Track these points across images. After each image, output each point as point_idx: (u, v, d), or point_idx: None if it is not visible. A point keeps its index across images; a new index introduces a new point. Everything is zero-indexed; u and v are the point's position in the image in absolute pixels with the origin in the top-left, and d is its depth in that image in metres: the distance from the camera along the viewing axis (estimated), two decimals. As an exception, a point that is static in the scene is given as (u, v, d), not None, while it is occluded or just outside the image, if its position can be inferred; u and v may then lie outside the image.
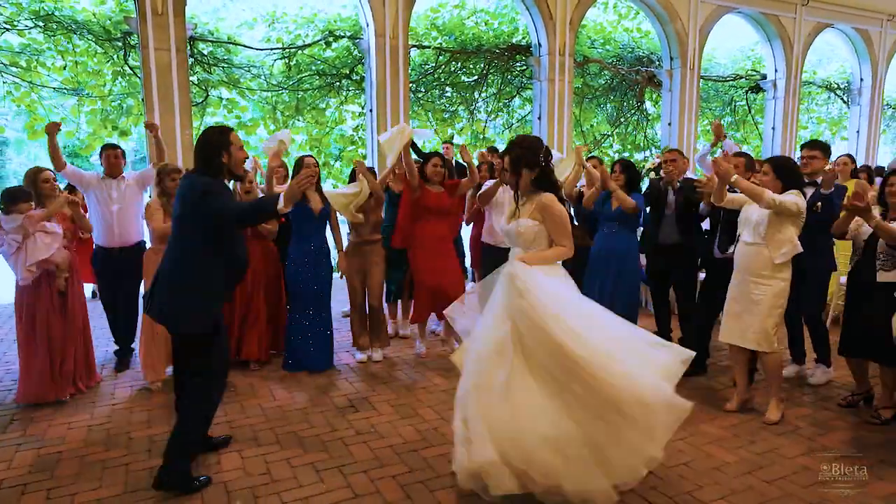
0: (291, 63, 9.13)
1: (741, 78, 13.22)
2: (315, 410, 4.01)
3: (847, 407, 3.99)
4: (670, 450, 3.36)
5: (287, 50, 9.06)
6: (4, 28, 7.48)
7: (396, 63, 8.87)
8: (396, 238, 4.97)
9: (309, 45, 9.14)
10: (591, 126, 12.54)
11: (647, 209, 5.02)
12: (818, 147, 4.44)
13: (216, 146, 2.97)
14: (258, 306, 4.77)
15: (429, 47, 10.04)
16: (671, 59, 11.56)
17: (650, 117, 12.69)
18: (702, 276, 5.17)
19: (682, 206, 4.74)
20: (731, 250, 3.97)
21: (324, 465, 3.26)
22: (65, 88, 8.10)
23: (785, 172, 3.73)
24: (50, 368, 4.01)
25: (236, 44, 8.71)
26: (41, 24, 7.64)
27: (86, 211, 4.88)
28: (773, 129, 12.77)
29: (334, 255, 4.86)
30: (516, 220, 3.04)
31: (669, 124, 11.66)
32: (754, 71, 13.24)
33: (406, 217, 4.88)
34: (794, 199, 3.59)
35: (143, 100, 7.55)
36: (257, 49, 8.91)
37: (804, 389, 4.36)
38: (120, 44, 8.08)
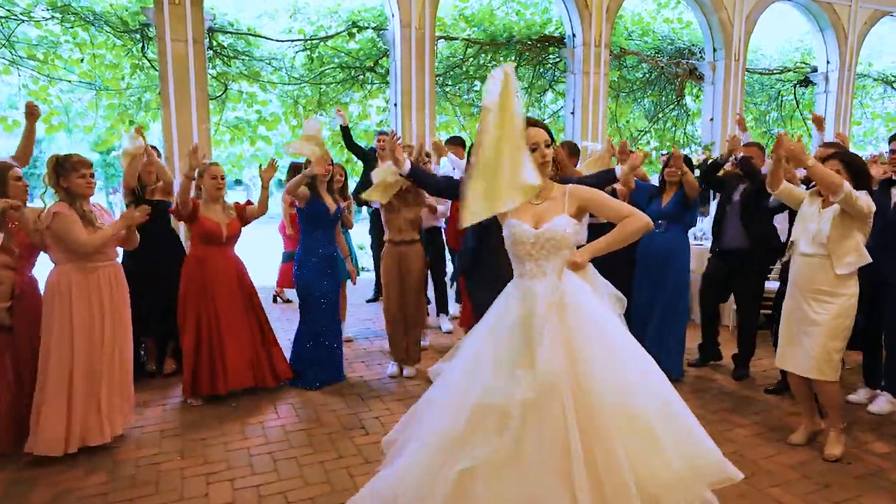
0: (314, 55, 8.78)
1: (789, 71, 12.42)
2: (320, 431, 3.61)
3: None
4: (728, 493, 2.87)
5: (309, 42, 8.71)
6: (21, 19, 7.29)
7: (422, 55, 8.45)
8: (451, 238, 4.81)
9: (332, 37, 8.77)
10: (628, 122, 11.93)
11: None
12: None
13: None
14: (227, 326, 3.95)
15: (457, 39, 9.58)
16: (714, 50, 10.88)
17: (690, 113, 12.01)
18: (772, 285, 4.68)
19: (749, 199, 4.35)
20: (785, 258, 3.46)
21: (323, 501, 2.85)
22: (82, 82, 7.89)
23: (856, 170, 3.21)
24: None
25: (257, 35, 8.38)
26: (58, 15, 7.44)
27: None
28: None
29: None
30: (551, 221, 2.25)
31: (711, 119, 10.99)
32: (804, 63, 12.43)
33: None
34: (867, 199, 3.12)
35: (160, 93, 7.28)
36: (278, 41, 8.58)
37: (879, 422, 3.78)
38: (138, 35, 7.83)
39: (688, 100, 12.12)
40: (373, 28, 8.88)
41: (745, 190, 4.41)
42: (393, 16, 8.41)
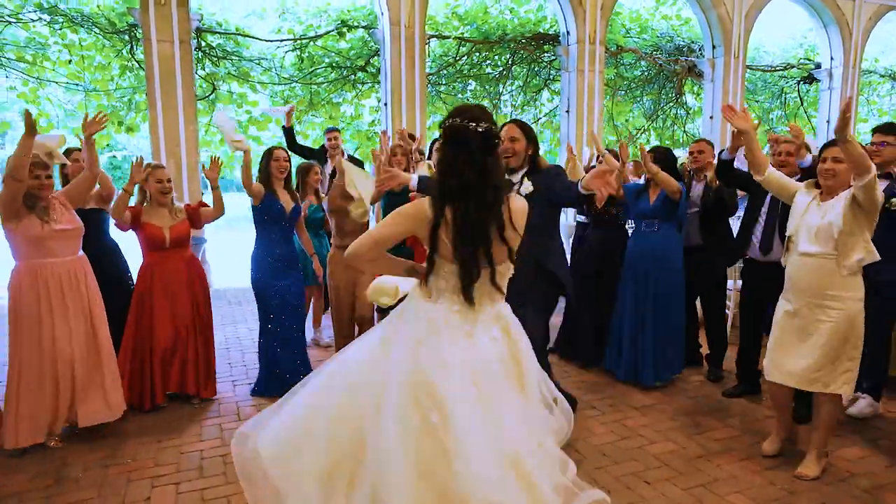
0: (304, 55, 8.75)
1: (792, 67, 12.21)
2: (279, 434, 3.53)
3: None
4: (685, 499, 2.76)
5: (299, 41, 8.68)
6: (8, 21, 7.32)
7: (412, 54, 8.37)
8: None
9: (321, 36, 8.73)
10: (627, 120, 11.78)
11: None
12: (893, 131, 3.68)
13: None
14: (165, 332, 3.80)
15: (449, 37, 9.50)
16: (713, 47, 10.70)
17: (691, 111, 11.83)
18: (735, 284, 4.54)
19: (710, 202, 4.21)
20: (773, 252, 3.27)
21: (267, 505, 2.77)
22: (71, 83, 7.91)
23: None
24: None
25: (245, 35, 8.37)
26: (46, 16, 7.46)
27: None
28: (828, 122, 11.70)
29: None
30: None
31: (711, 117, 10.80)
32: (807, 59, 12.21)
33: None
34: (879, 190, 2.82)
35: (147, 94, 7.27)
36: (268, 41, 8.56)
37: (853, 425, 3.63)
38: (126, 37, 7.83)
39: (689, 97, 11.95)
40: (363, 27, 8.83)
41: (708, 200, 4.32)
42: (382, 14, 8.34)
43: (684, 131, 11.65)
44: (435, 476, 1.79)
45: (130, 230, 3.79)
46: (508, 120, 3.71)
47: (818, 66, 11.81)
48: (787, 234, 3.06)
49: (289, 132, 6.08)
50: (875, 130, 3.71)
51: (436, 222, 1.91)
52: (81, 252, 3.45)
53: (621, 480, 2.95)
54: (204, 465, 3.17)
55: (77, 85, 7.95)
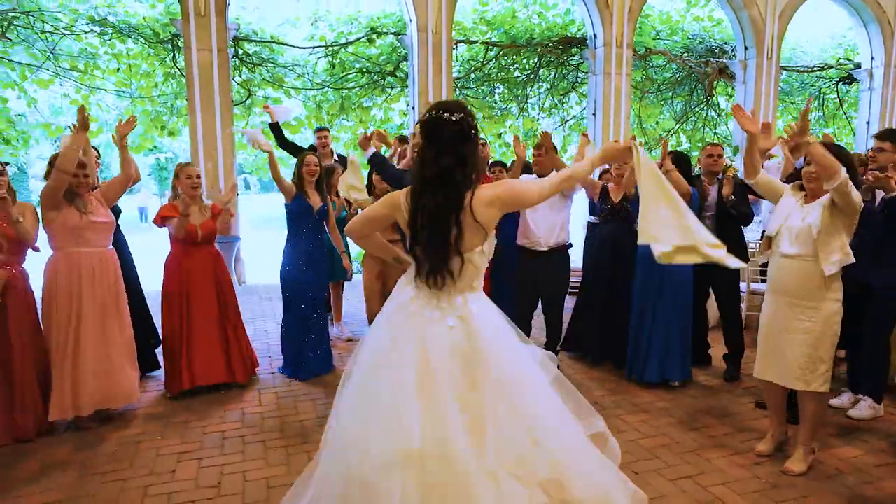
0: (335, 61, 9.08)
1: (830, 68, 11.95)
2: (294, 419, 3.80)
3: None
4: (669, 491, 2.89)
5: (331, 48, 9.02)
6: (63, 33, 7.86)
7: (439, 59, 8.61)
8: None
9: (352, 43, 9.05)
10: (657, 123, 11.74)
11: None
12: (889, 138, 3.72)
13: None
14: (206, 321, 4.11)
15: (476, 42, 9.69)
16: (745, 48, 10.59)
17: (723, 112, 11.71)
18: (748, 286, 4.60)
19: (725, 210, 4.33)
20: (760, 259, 3.34)
21: (277, 481, 3.03)
22: (119, 90, 8.43)
23: (846, 164, 2.93)
24: None
25: (279, 43, 8.75)
26: (97, 28, 7.98)
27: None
28: (868, 123, 11.41)
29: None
30: None
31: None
32: (846, 59, 11.93)
33: None
34: (858, 194, 2.89)
35: (187, 100, 7.70)
36: (301, 48, 8.93)
37: (853, 427, 3.67)
38: (169, 46, 8.30)
39: (722, 99, 11.83)
40: (392, 34, 9.11)
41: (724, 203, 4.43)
42: (411, 21, 8.60)
43: (715, 133, 11.54)
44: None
45: (165, 225, 4.12)
46: None
47: (858, 66, 11.53)
48: (768, 234, 3.14)
49: (276, 128, 5.89)
50: (877, 136, 3.75)
51: (412, 212, 2.09)
52: (111, 246, 3.80)
53: (610, 470, 3.09)
54: (225, 443, 3.46)
55: (124, 91, 8.47)
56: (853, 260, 2.96)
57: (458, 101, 2.19)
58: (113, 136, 3.88)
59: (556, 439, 2.06)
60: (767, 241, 3.17)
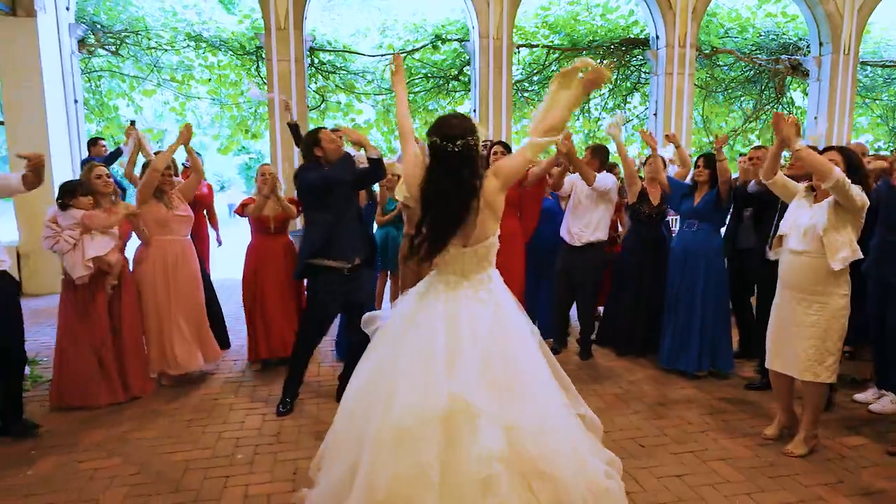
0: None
1: (918, 62, 11.32)
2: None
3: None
4: (668, 460, 3.19)
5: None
6: (165, 49, 8.89)
7: (500, 64, 9.00)
8: None
9: (418, 50, 9.60)
10: (726, 122, 11.55)
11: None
12: None
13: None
14: (280, 301, 4.68)
15: (536, 46, 9.99)
16: (820, 44, 10.28)
17: (798, 109, 11.36)
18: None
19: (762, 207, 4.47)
20: (770, 256, 3.52)
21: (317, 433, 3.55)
22: (210, 98, 9.40)
23: (852, 164, 3.15)
24: (90, 370, 3.88)
25: (351, 52, 9.44)
26: (193, 43, 8.96)
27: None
28: (961, 120, 10.75)
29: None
30: None
31: (816, 118, 10.38)
32: (937, 53, 11.26)
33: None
34: (859, 191, 3.05)
35: (268, 106, 8.51)
36: (371, 56, 9.57)
37: (870, 419, 3.77)
38: (254, 57, 9.18)
39: (797, 96, 11.48)
40: (456, 40, 9.58)
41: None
42: (473, 28, 9.05)
43: (787, 132, 11.22)
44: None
45: (244, 214, 4.76)
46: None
47: (949, 59, 10.88)
48: (779, 231, 3.33)
49: (294, 128, 5.85)
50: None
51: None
52: (189, 236, 4.50)
53: (617, 442, 3.39)
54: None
55: (214, 98, 9.43)
56: (861, 255, 3.12)
57: (461, 121, 2.36)
58: (186, 147, 4.49)
59: (544, 407, 2.33)
60: (779, 238, 3.36)
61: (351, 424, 2.41)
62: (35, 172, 3.34)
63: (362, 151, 3.83)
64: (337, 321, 5.70)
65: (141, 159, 4.90)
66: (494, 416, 2.17)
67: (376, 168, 3.80)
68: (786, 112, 11.25)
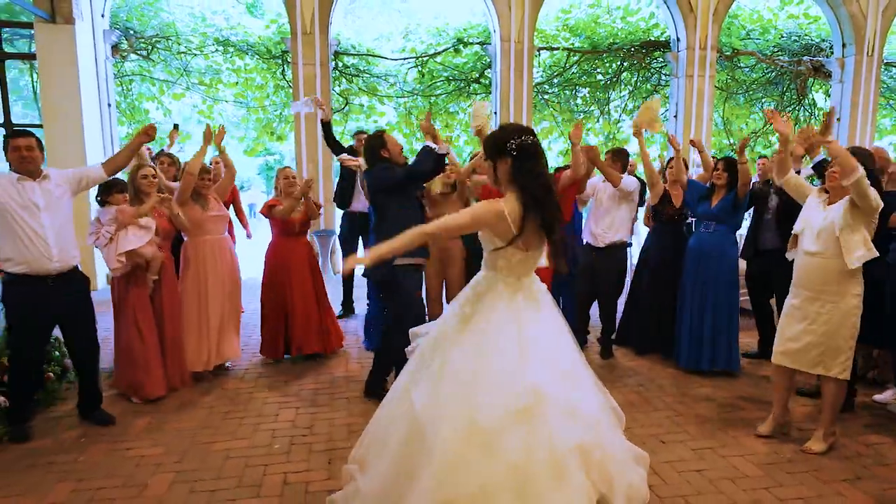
0: (424, 71, 9.81)
1: (945, 63, 11.19)
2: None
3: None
4: (689, 456, 3.29)
5: (420, 59, 9.76)
6: (195, 53, 9.14)
7: (521, 67, 9.12)
8: None
9: (440, 53, 9.74)
10: (747, 123, 11.53)
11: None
12: None
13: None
14: (304, 300, 4.82)
15: (557, 49, 10.08)
16: (843, 45, 10.24)
17: (820, 111, 11.30)
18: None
19: (785, 208, 4.55)
20: (789, 256, 3.59)
21: (357, 427, 3.70)
22: (237, 101, 9.64)
23: (864, 166, 3.14)
24: (139, 362, 4.06)
25: (374, 55, 9.61)
26: (221, 48, 9.20)
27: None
28: None
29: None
30: None
31: (838, 119, 10.33)
32: (964, 53, 11.13)
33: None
34: (875, 193, 3.12)
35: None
36: (393, 59, 9.73)
37: (890, 415, 3.83)
38: (280, 61, 9.39)
39: (819, 97, 11.42)
40: (478, 43, 9.71)
41: (781, 205, 4.64)
42: (494, 31, 9.17)
43: (809, 134, 11.16)
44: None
45: (271, 215, 4.91)
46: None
47: (976, 60, 10.76)
48: (794, 231, 3.42)
49: (326, 126, 5.90)
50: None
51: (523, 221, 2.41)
52: (226, 234, 4.68)
53: (640, 438, 3.49)
54: (316, 398, 4.20)
55: (241, 102, 9.66)
56: (877, 254, 3.19)
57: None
58: (219, 147, 4.65)
59: (595, 398, 2.54)
60: (794, 238, 3.45)
61: (412, 427, 2.38)
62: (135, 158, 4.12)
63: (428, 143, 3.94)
64: (363, 311, 5.84)
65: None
66: (567, 406, 2.33)
67: (441, 163, 4.00)
68: (798, 114, 11.20)
